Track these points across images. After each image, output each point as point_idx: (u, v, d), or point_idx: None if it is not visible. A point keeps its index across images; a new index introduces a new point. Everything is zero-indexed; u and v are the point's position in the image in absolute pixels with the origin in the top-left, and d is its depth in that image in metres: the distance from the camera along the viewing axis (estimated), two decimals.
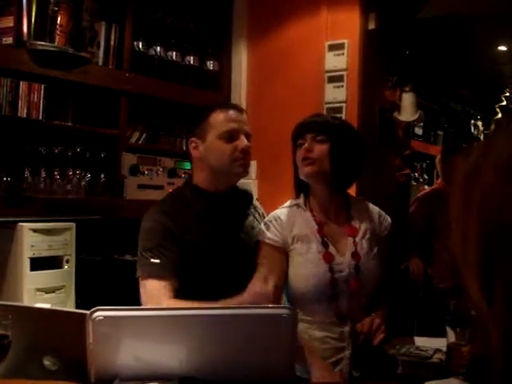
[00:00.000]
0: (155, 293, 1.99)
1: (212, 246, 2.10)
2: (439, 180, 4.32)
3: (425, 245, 4.02)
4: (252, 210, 2.29)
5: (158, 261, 2.02)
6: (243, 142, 2.12)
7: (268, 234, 2.15)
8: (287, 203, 2.24)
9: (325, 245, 2.11)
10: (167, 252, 2.04)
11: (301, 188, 2.22)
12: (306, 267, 2.10)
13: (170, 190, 2.40)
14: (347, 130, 2.21)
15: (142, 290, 2.04)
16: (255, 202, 2.35)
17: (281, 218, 2.17)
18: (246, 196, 2.32)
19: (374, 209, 2.27)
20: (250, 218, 2.26)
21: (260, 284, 1.88)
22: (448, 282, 3.71)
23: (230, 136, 2.12)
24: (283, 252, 2.14)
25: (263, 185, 3.78)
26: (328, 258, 2.09)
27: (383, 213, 2.27)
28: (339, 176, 2.14)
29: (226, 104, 2.24)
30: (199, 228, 2.10)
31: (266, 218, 2.22)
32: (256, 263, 2.11)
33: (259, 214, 2.31)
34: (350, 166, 2.16)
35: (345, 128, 2.21)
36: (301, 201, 2.21)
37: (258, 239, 2.17)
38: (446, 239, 3.79)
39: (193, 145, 2.17)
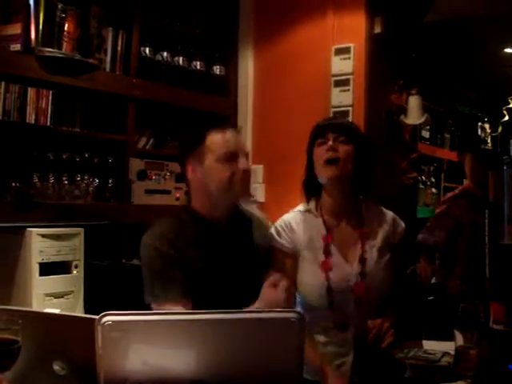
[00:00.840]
0: None
1: (209, 272, 2.04)
2: (467, 181, 4.28)
3: (448, 246, 3.98)
4: (255, 231, 2.21)
5: (167, 286, 1.97)
6: (243, 163, 2.05)
7: (279, 240, 2.14)
8: (298, 207, 2.23)
9: (327, 253, 2.11)
10: (173, 276, 1.99)
11: (312, 191, 2.20)
12: (309, 274, 2.11)
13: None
14: (364, 134, 2.22)
15: None
16: (257, 220, 2.27)
17: (291, 224, 2.16)
18: (244, 220, 2.21)
19: (388, 214, 2.24)
20: (252, 237, 2.18)
21: (271, 291, 1.87)
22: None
23: (229, 158, 2.04)
24: (293, 257, 2.14)
25: (270, 188, 3.78)
26: (325, 266, 2.08)
27: (397, 217, 2.25)
28: (361, 179, 2.13)
29: (222, 125, 2.13)
30: (195, 254, 2.04)
31: (277, 223, 2.19)
32: (268, 267, 2.10)
33: (262, 228, 2.25)
34: (371, 170, 2.16)
35: (363, 132, 2.22)
36: (312, 206, 2.19)
37: (269, 243, 2.17)
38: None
39: (190, 169, 2.10)
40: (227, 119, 2.00)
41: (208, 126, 2.13)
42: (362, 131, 2.25)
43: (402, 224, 2.25)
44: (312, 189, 2.19)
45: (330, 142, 2.08)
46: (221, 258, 2.07)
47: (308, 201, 2.21)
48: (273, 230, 2.17)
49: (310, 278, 2.10)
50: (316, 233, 2.14)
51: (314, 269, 2.09)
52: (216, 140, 2.05)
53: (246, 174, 2.07)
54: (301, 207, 2.22)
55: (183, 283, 1.99)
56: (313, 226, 2.15)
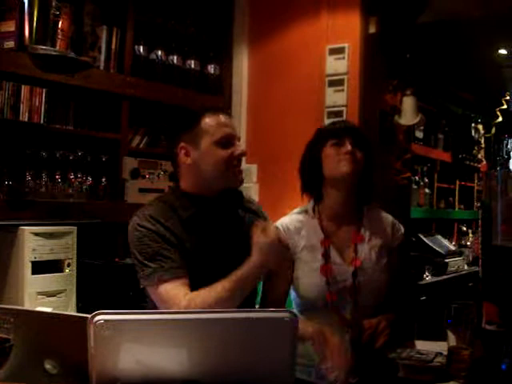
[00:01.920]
0: (171, 293, 1.94)
1: (201, 254, 2.04)
2: None
3: None
4: (249, 215, 2.20)
5: (162, 265, 1.96)
6: (239, 148, 2.08)
7: None
8: (296, 210, 2.23)
9: (326, 257, 2.11)
10: (168, 254, 1.98)
11: (311, 193, 2.20)
12: (309, 277, 2.11)
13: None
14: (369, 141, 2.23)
15: (155, 297, 1.98)
16: (254, 207, 2.27)
17: (289, 228, 2.16)
18: (236, 195, 2.20)
19: (388, 218, 2.25)
20: (246, 221, 2.17)
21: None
22: None
23: (226, 142, 2.05)
24: (290, 260, 2.14)
25: (264, 188, 3.78)
26: (325, 270, 2.09)
27: (397, 222, 2.25)
28: (364, 185, 2.15)
29: (214, 108, 2.13)
30: (187, 236, 2.04)
31: (278, 224, 2.19)
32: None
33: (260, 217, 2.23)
34: (371, 176, 2.18)
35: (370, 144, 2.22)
36: (309, 207, 2.20)
37: None
38: None
39: (183, 151, 2.08)
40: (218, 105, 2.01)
41: (201, 109, 2.14)
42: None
43: (402, 229, 2.25)
44: (312, 190, 2.19)
45: (349, 147, 2.08)
46: (212, 240, 2.06)
47: (310, 199, 2.21)
48: None
49: (310, 280, 2.11)
50: (314, 236, 2.15)
51: (313, 271, 2.10)
52: (212, 122, 2.06)
53: (240, 160, 2.09)
54: (298, 210, 2.23)
55: (177, 260, 1.98)
56: (310, 229, 2.16)
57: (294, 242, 2.14)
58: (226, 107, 3.96)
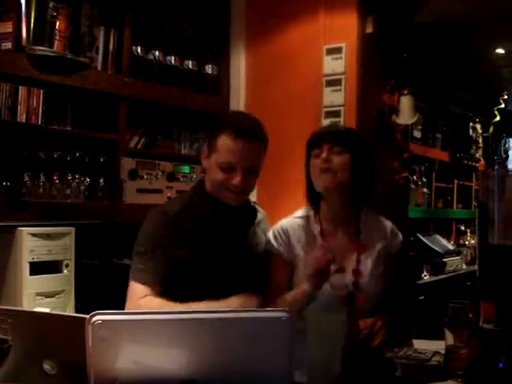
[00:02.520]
0: (132, 293, 2.04)
1: (211, 257, 2.09)
2: None
3: None
4: (257, 227, 2.25)
5: (143, 266, 2.04)
6: (237, 178, 2.05)
7: (275, 246, 2.16)
8: (297, 213, 2.24)
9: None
10: (155, 259, 2.04)
11: (313, 197, 2.20)
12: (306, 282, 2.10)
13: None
14: (363, 142, 2.20)
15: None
16: (260, 217, 2.30)
17: (288, 232, 2.17)
18: (251, 210, 2.27)
19: (387, 224, 2.25)
20: (254, 233, 2.23)
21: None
22: None
23: (228, 167, 2.06)
24: (289, 263, 2.15)
25: (262, 188, 3.78)
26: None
27: (395, 229, 2.25)
28: (359, 188, 2.13)
29: (240, 126, 2.07)
30: (203, 232, 2.10)
31: (275, 227, 2.20)
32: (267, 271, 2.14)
33: (262, 230, 2.27)
34: (369, 178, 2.16)
35: (361, 139, 2.20)
36: (311, 213, 2.20)
37: (266, 247, 2.19)
38: None
39: (203, 154, 2.16)
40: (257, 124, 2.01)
41: (229, 121, 2.18)
42: (360, 138, 2.23)
43: (400, 236, 2.25)
44: (313, 195, 2.19)
45: (324, 154, 2.07)
46: (223, 247, 2.11)
47: (311, 205, 2.21)
48: (270, 235, 2.18)
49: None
50: (314, 240, 2.15)
51: None
52: (224, 145, 2.06)
53: (239, 189, 2.08)
54: (299, 213, 2.23)
55: (159, 268, 2.03)
56: (310, 233, 2.16)
57: (293, 247, 2.14)
58: (223, 107, 3.96)
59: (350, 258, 2.13)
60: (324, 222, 2.16)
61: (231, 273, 2.09)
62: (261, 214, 2.31)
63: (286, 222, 2.21)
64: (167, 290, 2.02)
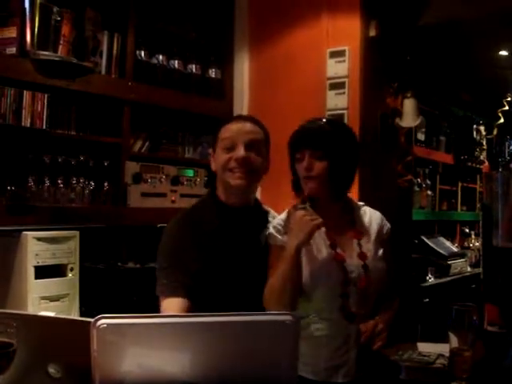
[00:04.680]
0: (165, 308, 2.05)
1: (224, 267, 2.11)
2: None
3: None
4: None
5: (168, 281, 2.06)
6: (239, 152, 2.11)
7: (279, 237, 2.14)
8: (294, 206, 2.24)
9: (333, 247, 2.12)
10: (174, 271, 2.06)
11: (300, 192, 2.21)
12: (318, 267, 2.10)
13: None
14: (343, 138, 2.17)
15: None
16: (273, 214, 2.33)
17: (290, 222, 2.17)
18: (262, 213, 2.30)
19: (376, 212, 2.29)
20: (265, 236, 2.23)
21: None
22: None
23: (228, 146, 2.12)
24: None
25: (266, 192, 3.78)
26: (339, 258, 2.09)
27: (383, 217, 2.29)
28: (338, 186, 2.15)
29: (237, 116, 2.25)
30: (215, 243, 2.12)
31: (274, 222, 2.20)
32: (268, 267, 2.12)
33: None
34: (348, 175, 2.17)
35: (341, 136, 2.17)
36: (307, 204, 2.20)
37: (268, 243, 2.17)
38: None
39: (210, 157, 2.22)
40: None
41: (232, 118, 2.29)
42: (342, 132, 2.19)
43: (388, 225, 2.28)
44: (300, 190, 2.20)
45: (305, 163, 2.10)
46: (235, 254, 2.13)
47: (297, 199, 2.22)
48: (272, 229, 2.17)
49: (324, 269, 2.09)
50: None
51: (324, 261, 2.10)
52: (225, 129, 2.17)
53: (243, 164, 2.11)
54: (297, 205, 2.22)
55: (181, 279, 2.05)
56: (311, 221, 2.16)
57: None
58: (227, 111, 3.97)
59: (351, 245, 2.15)
60: (319, 213, 2.17)
61: (247, 278, 2.10)
62: (272, 217, 2.32)
63: (285, 215, 2.21)
64: (193, 300, 2.05)
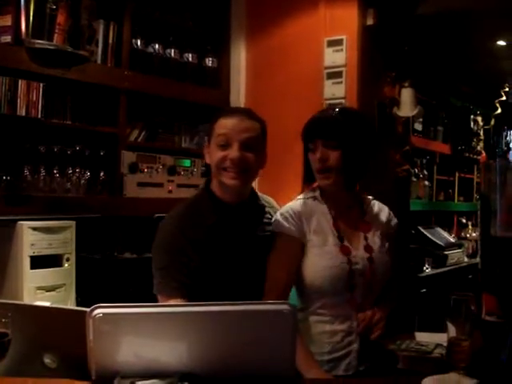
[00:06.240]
0: None
1: (222, 264, 2.08)
2: None
3: None
4: (266, 221, 2.23)
5: (165, 280, 2.03)
6: (233, 152, 2.05)
7: (286, 225, 2.12)
8: (302, 195, 2.22)
9: (341, 238, 2.11)
10: (174, 270, 2.03)
11: (311, 181, 2.20)
12: (324, 259, 2.08)
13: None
14: (357, 127, 2.15)
15: None
16: (269, 210, 2.27)
17: (298, 210, 2.14)
18: (259, 209, 2.25)
19: (384, 207, 2.30)
20: (264, 229, 2.20)
21: None
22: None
23: (223, 143, 2.06)
24: (299, 244, 2.12)
25: (263, 181, 3.77)
26: (346, 250, 2.09)
27: (391, 212, 2.30)
28: (351, 176, 2.14)
29: (233, 109, 2.17)
30: (207, 243, 2.08)
31: (283, 210, 2.17)
32: (269, 255, 2.11)
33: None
34: (361, 166, 2.16)
35: (354, 125, 2.14)
36: (317, 193, 2.19)
37: (274, 230, 2.15)
38: None
39: (206, 151, 2.16)
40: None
41: (224, 110, 2.18)
42: (357, 120, 2.18)
43: (395, 219, 2.30)
44: (311, 180, 2.19)
45: (318, 154, 2.08)
46: (232, 250, 2.10)
47: (304, 190, 2.21)
48: (279, 217, 2.15)
49: (330, 261, 2.08)
50: (323, 220, 2.14)
51: (327, 253, 2.09)
52: (220, 123, 2.10)
53: (237, 165, 2.06)
54: (305, 195, 2.21)
55: (180, 279, 2.01)
56: (319, 213, 2.15)
57: (304, 225, 2.12)
58: (223, 100, 3.95)
59: (358, 237, 2.15)
60: (329, 203, 2.16)
61: (245, 274, 2.08)
62: (271, 208, 2.28)
63: (294, 203, 2.19)
64: (191, 299, 2.01)
